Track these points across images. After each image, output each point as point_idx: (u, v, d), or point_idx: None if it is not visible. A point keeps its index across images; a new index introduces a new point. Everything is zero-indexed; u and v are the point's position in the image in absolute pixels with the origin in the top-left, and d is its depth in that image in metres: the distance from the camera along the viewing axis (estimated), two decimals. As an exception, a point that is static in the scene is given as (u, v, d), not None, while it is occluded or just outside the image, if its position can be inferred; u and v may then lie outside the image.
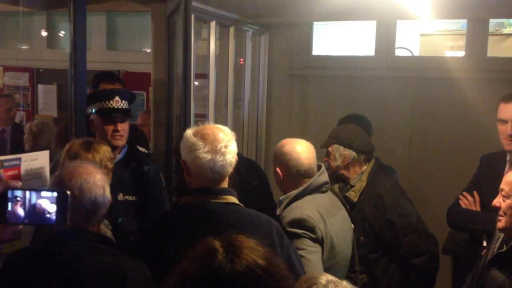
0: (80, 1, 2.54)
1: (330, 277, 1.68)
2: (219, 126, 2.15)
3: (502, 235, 2.32)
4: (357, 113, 3.85)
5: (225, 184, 2.09)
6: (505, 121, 2.90)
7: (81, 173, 1.95)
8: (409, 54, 5.75)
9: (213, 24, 3.74)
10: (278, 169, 2.62)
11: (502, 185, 2.31)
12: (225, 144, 2.03)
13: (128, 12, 5.50)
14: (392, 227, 2.93)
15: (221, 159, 2.02)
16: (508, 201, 2.26)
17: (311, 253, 2.38)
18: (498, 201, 2.31)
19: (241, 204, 2.12)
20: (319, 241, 2.43)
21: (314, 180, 2.57)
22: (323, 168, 2.66)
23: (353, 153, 3.07)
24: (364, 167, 3.09)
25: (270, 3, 4.16)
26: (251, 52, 4.54)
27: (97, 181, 1.97)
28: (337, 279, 1.67)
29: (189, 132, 2.10)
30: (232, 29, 4.12)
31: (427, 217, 3.23)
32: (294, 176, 2.58)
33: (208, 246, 1.25)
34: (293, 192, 2.55)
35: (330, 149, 3.13)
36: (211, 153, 2.01)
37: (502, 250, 2.27)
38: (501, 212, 2.27)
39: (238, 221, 2.02)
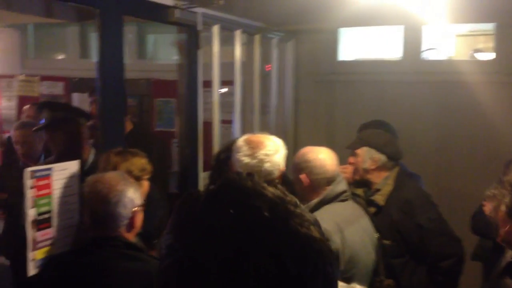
0: (110, 13, 2.66)
1: (358, 287, 1.66)
2: (271, 136, 2.21)
3: None
4: (380, 119, 3.81)
5: None
6: None
7: (103, 182, 2.05)
8: (439, 55, 5.66)
9: (238, 32, 3.79)
10: (302, 177, 2.57)
11: None
12: (265, 153, 2.11)
13: (158, 23, 5.61)
14: (420, 231, 2.94)
15: (258, 165, 2.09)
16: None
17: None
18: None
19: None
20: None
21: (331, 190, 2.55)
22: (341, 177, 2.65)
23: (384, 158, 3.08)
24: (389, 173, 3.10)
25: (295, 10, 4.18)
26: (277, 58, 4.58)
27: (115, 191, 2.03)
28: None
29: (242, 137, 2.21)
30: (257, 37, 4.16)
31: (456, 223, 3.22)
32: (319, 183, 2.56)
33: None
34: (312, 202, 2.53)
35: (359, 151, 3.11)
36: (249, 157, 2.11)
37: None
38: None
39: None
